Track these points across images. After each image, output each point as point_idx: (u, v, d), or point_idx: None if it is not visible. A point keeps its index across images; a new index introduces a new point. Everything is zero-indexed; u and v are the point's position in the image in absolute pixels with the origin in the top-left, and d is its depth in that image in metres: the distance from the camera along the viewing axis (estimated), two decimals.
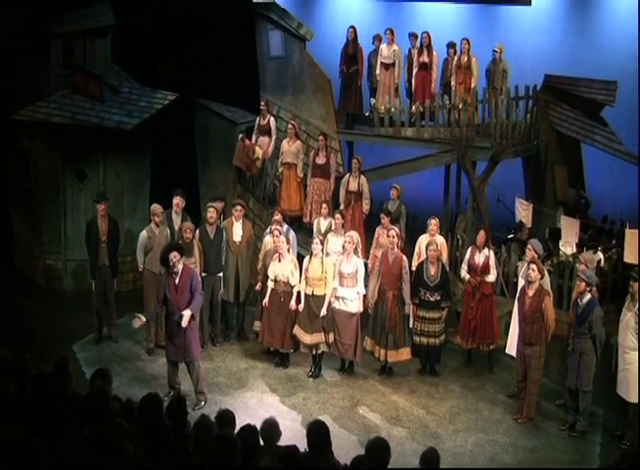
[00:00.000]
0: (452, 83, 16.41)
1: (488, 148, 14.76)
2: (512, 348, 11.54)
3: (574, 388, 10.65)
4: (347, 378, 12.27)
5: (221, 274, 13.23)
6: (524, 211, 15.10)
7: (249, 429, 6.54)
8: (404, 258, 12.13)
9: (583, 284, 10.56)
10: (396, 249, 12.12)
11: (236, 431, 6.61)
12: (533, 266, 10.82)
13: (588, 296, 10.56)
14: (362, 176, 15.01)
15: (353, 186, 14.97)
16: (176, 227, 13.22)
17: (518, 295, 11.33)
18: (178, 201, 13.39)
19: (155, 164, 15.99)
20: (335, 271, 11.97)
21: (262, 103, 16.47)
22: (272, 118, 16.36)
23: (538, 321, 10.70)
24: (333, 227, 13.35)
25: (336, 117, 16.85)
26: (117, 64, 16.33)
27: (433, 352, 12.32)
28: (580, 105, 16.43)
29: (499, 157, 14.40)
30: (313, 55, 17.11)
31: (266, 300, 12.25)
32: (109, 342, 13.33)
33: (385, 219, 13.41)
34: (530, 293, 10.83)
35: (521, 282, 11.68)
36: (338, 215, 13.23)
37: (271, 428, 6.91)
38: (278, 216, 13.18)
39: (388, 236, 12.25)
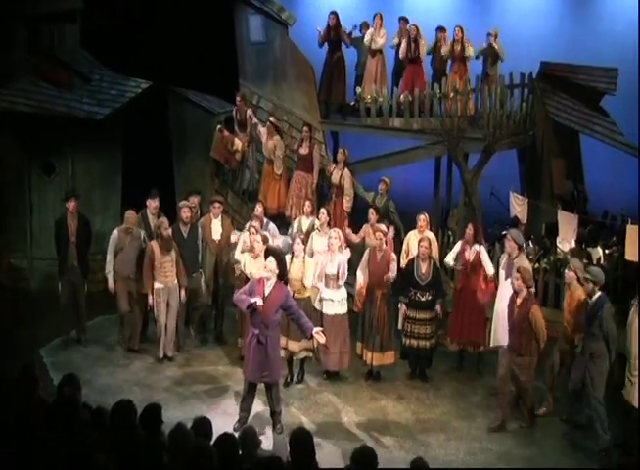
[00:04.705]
0: (447, 74, 16.42)
1: (481, 139, 14.80)
2: (496, 339, 11.56)
3: (578, 388, 10.53)
4: (332, 383, 12.27)
5: (198, 274, 13.19)
6: (519, 206, 15.13)
7: (227, 437, 6.55)
8: (393, 255, 12.16)
9: (591, 284, 10.34)
10: (384, 246, 12.14)
11: (213, 440, 6.62)
12: (517, 275, 10.64)
13: (598, 293, 10.35)
14: (346, 170, 15.02)
15: (335, 178, 15.02)
16: (153, 227, 13.15)
17: (508, 302, 11.24)
18: (156, 203, 13.31)
19: (127, 157, 15.96)
20: (319, 272, 11.97)
21: (238, 98, 16.49)
22: (249, 112, 16.37)
23: (527, 332, 10.53)
24: (317, 225, 13.34)
25: (320, 107, 16.87)
26: (87, 49, 16.26)
27: (423, 355, 12.33)
28: (579, 93, 16.48)
29: (493, 148, 14.44)
30: (296, 41, 17.12)
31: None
32: (78, 346, 13.29)
33: (373, 215, 13.41)
34: (518, 301, 10.67)
35: (502, 274, 11.71)
36: (323, 211, 13.23)
37: (250, 436, 6.92)
38: (259, 211, 13.18)
39: (374, 233, 12.27)
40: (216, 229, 13.36)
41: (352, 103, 16.94)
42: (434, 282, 12.13)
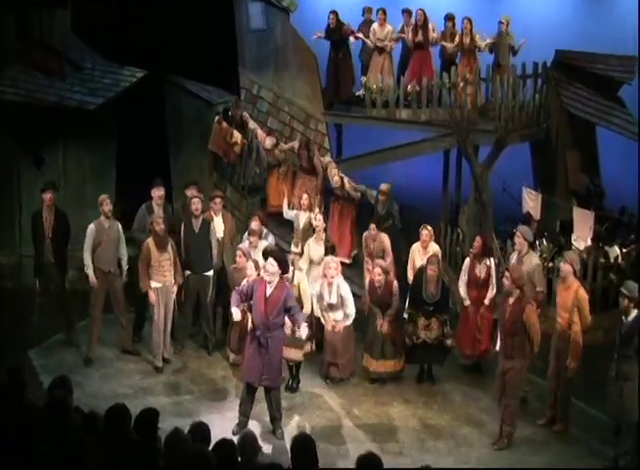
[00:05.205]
0: (457, 63, 16.43)
1: (492, 131, 14.78)
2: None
3: (616, 419, 10.29)
4: (336, 386, 12.26)
5: (210, 273, 13.13)
6: (532, 202, 15.12)
7: (225, 443, 6.53)
8: (394, 284, 12.21)
9: (626, 300, 10.04)
10: (383, 280, 12.12)
11: (211, 445, 6.60)
12: (507, 274, 10.46)
13: (634, 312, 10.01)
14: (346, 184, 14.71)
15: (338, 191, 14.87)
16: None
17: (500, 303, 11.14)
18: (161, 193, 13.28)
19: (121, 149, 15.91)
20: (320, 302, 12.07)
21: (231, 104, 16.57)
22: (246, 114, 16.39)
23: (520, 333, 10.32)
24: (314, 223, 13.29)
25: (323, 97, 16.85)
26: (79, 36, 16.21)
27: (433, 351, 12.31)
28: (595, 83, 16.45)
29: (504, 141, 14.38)
30: (298, 28, 17.09)
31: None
32: (69, 347, 13.23)
33: (374, 231, 13.34)
34: (510, 301, 10.47)
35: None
36: (319, 218, 13.17)
37: (250, 442, 6.89)
38: (255, 224, 13.03)
39: (374, 268, 12.24)
40: (218, 227, 13.33)
41: (357, 93, 16.92)
42: (442, 301, 12.17)
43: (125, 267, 12.92)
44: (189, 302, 13.17)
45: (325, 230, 13.37)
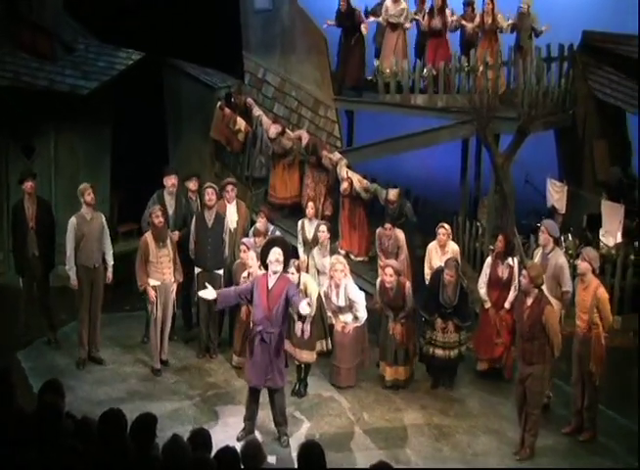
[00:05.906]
0: (477, 49, 16.43)
1: (514, 118, 14.75)
2: None
3: None
4: (347, 391, 12.25)
5: (221, 271, 13.12)
6: (557, 194, 15.10)
7: (228, 451, 6.55)
8: (407, 286, 12.23)
9: None
10: (395, 282, 12.15)
11: (213, 454, 6.62)
12: (524, 273, 10.42)
13: None
14: (355, 186, 14.78)
15: (345, 190, 14.87)
16: (170, 211, 13.14)
17: (516, 304, 11.11)
18: (173, 180, 13.30)
19: (116, 137, 15.94)
20: (327, 304, 12.17)
21: (233, 90, 16.57)
22: (249, 100, 16.39)
23: (539, 337, 10.26)
24: (318, 234, 13.31)
25: (332, 82, 16.84)
26: (71, 15, 16.23)
27: (448, 365, 12.38)
28: (626, 67, 16.37)
29: (527, 129, 14.36)
30: (306, 8, 17.08)
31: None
32: (60, 348, 13.24)
33: (389, 230, 13.48)
34: (528, 302, 10.40)
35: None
36: (323, 229, 13.18)
37: (254, 450, 6.90)
38: (261, 224, 13.04)
39: (385, 273, 12.24)
40: (232, 217, 13.36)
41: (370, 78, 16.90)
42: (460, 305, 12.20)
43: (111, 263, 12.85)
44: (204, 303, 12.95)
45: (330, 238, 13.45)
